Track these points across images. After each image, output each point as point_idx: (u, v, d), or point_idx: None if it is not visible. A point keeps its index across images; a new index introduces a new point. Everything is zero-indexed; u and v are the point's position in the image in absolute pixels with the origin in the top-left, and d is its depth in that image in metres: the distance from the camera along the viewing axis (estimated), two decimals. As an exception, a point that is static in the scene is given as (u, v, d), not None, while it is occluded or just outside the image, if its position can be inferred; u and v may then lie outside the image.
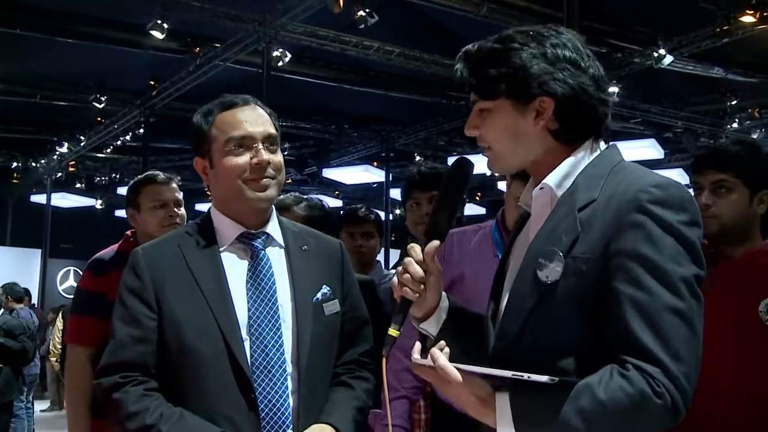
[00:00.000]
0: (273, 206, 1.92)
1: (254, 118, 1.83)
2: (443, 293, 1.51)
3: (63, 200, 17.85)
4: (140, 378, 1.72)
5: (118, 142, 14.48)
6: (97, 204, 18.28)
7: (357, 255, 3.18)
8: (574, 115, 1.40)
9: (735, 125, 12.69)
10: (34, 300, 14.47)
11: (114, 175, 17.32)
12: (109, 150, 15.26)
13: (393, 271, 3.56)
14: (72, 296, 3.43)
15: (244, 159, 1.79)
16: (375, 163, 16.14)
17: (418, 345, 1.36)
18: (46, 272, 17.42)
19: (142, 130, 13.52)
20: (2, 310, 7.87)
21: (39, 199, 17.73)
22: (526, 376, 1.20)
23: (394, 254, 13.81)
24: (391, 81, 12.10)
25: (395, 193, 14.48)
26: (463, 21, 9.17)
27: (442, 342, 1.36)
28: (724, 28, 9.05)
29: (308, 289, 1.84)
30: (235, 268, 1.81)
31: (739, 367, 1.99)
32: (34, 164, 16.21)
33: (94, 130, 14.10)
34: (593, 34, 9.71)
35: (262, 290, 1.79)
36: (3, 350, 6.79)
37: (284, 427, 1.72)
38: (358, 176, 16.63)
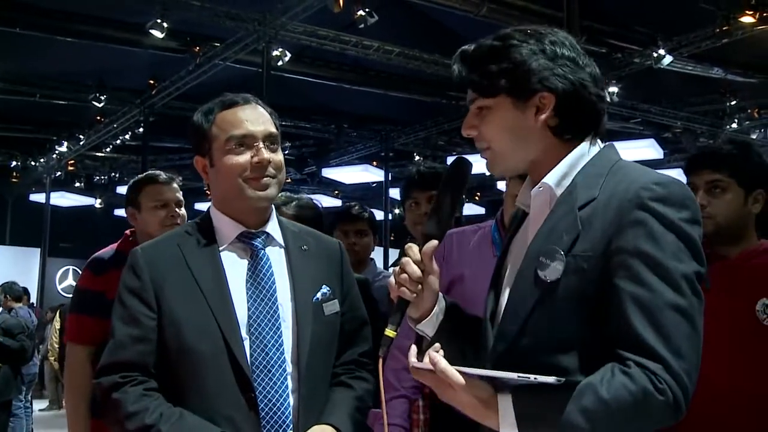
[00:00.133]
0: (273, 206, 1.92)
1: (255, 117, 1.83)
2: (440, 294, 1.50)
3: (62, 199, 17.85)
4: (140, 378, 1.71)
5: (118, 141, 14.49)
6: (97, 203, 18.28)
7: (351, 253, 3.17)
8: (573, 111, 1.40)
9: (734, 125, 12.70)
10: (33, 299, 14.46)
11: (113, 174, 17.31)
12: (108, 149, 15.26)
13: (385, 271, 3.57)
14: (71, 295, 3.42)
15: (244, 158, 1.79)
16: (374, 163, 16.14)
17: (413, 348, 1.35)
18: (45, 271, 17.42)
19: (141, 130, 13.53)
20: (1, 309, 7.87)
21: (38, 198, 17.72)
22: (532, 378, 1.20)
23: (394, 254, 13.82)
24: (390, 81, 12.11)
25: (395, 193, 14.46)
26: (462, 21, 9.17)
27: (437, 344, 1.36)
28: (724, 28, 9.05)
29: (308, 288, 1.84)
30: (234, 267, 1.81)
31: (735, 366, 1.99)
32: (33, 163, 16.20)
33: (93, 129, 14.10)
34: (593, 34, 9.72)
35: (262, 290, 1.79)
36: (2, 349, 6.79)
37: (284, 426, 1.72)
38: (358, 176, 16.64)
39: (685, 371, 1.22)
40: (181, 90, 11.71)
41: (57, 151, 15.13)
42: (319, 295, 1.84)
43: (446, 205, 1.49)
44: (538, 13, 9.10)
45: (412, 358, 1.34)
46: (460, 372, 1.26)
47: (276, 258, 1.86)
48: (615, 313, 1.27)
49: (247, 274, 1.81)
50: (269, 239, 1.87)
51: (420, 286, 1.43)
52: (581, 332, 1.31)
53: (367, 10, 8.65)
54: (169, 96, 12.06)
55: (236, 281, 1.79)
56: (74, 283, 14.56)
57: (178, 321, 1.73)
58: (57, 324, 9.61)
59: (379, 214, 15.59)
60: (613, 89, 10.66)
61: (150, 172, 3.12)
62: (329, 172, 16.74)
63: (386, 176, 15.53)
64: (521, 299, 1.37)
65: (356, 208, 3.42)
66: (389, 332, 1.41)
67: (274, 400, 1.71)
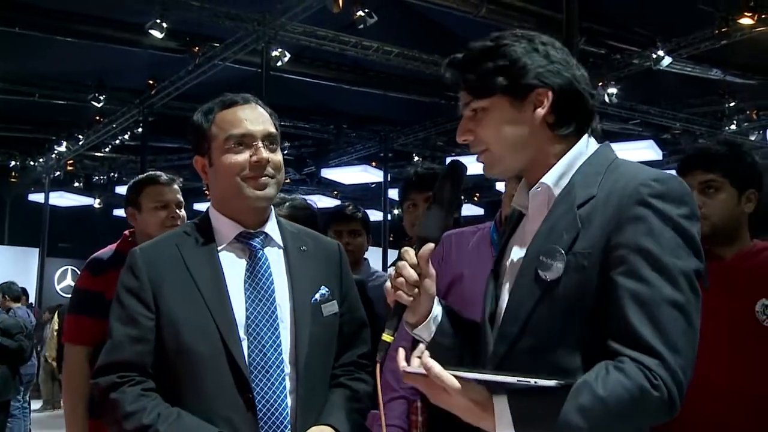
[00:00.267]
0: (272, 206, 1.92)
1: (254, 117, 1.83)
2: (437, 299, 1.49)
3: (61, 199, 17.85)
4: (137, 378, 1.71)
5: (117, 141, 14.50)
6: (96, 203, 18.29)
7: None
8: (570, 106, 1.41)
9: (733, 127, 12.73)
10: (32, 299, 14.45)
11: (112, 174, 17.32)
12: (107, 149, 15.26)
13: (379, 271, 3.56)
14: (69, 295, 3.42)
15: (243, 157, 1.79)
16: (373, 163, 16.15)
17: (402, 352, 1.35)
18: (44, 271, 17.41)
19: (140, 130, 13.54)
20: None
21: (37, 197, 17.72)
22: (533, 381, 1.19)
23: (393, 255, 13.82)
24: (390, 81, 12.12)
25: (394, 194, 14.41)
26: (462, 22, 9.18)
27: (421, 345, 1.36)
28: (723, 29, 9.07)
29: (307, 289, 1.83)
30: (233, 267, 1.80)
31: (734, 367, 1.99)
32: (32, 163, 16.21)
33: (92, 129, 14.11)
34: (592, 36, 9.74)
35: (260, 290, 1.78)
36: (0, 349, 6.78)
37: (282, 427, 1.71)
38: (357, 176, 16.64)
39: (680, 367, 1.22)
40: (180, 90, 11.71)
41: (56, 151, 15.13)
42: (317, 296, 1.84)
43: (441, 208, 1.48)
44: (537, 14, 9.12)
45: (402, 362, 1.33)
46: (456, 376, 1.25)
47: (274, 258, 1.85)
48: (612, 307, 1.27)
49: (246, 274, 1.80)
50: (268, 239, 1.87)
51: (417, 289, 1.42)
52: (583, 331, 1.30)
53: (366, 10, 8.66)
54: (168, 96, 12.06)
55: (234, 282, 1.78)
56: (73, 284, 14.55)
57: (176, 321, 1.72)
58: (56, 324, 9.60)
59: (378, 215, 15.62)
60: (612, 90, 10.68)
61: (151, 172, 3.11)
62: (328, 173, 16.74)
63: (385, 177, 15.54)
64: (522, 300, 1.36)
65: (350, 208, 3.43)
66: (386, 337, 1.40)
67: (271, 401, 1.71)
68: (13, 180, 17.32)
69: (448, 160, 12.39)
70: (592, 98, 1.43)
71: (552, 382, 1.19)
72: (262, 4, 9.56)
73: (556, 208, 1.38)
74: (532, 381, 1.19)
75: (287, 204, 2.79)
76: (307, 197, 3.11)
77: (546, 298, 1.32)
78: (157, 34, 9.22)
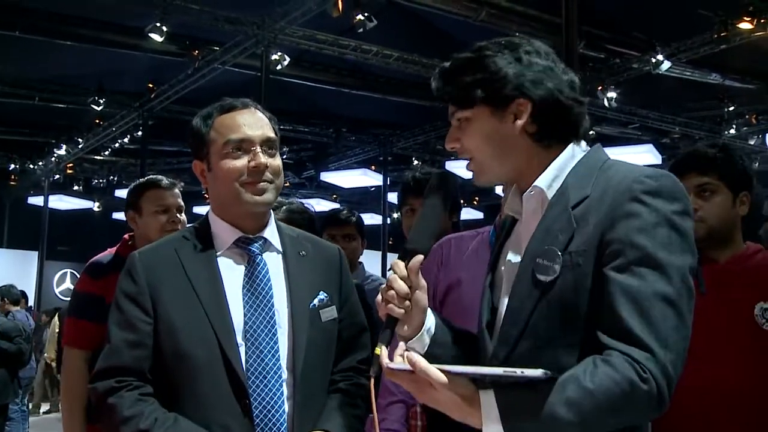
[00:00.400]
0: (271, 211, 1.91)
1: (253, 122, 1.83)
2: (429, 311, 1.48)
3: (60, 202, 17.86)
4: (135, 383, 1.71)
5: (116, 145, 14.50)
6: (95, 206, 18.28)
7: None
8: (551, 117, 1.41)
9: (732, 131, 12.74)
10: (31, 302, 14.45)
11: (112, 177, 17.34)
12: (107, 152, 15.26)
13: (374, 274, 3.56)
14: (68, 299, 3.41)
15: (241, 162, 1.78)
16: (373, 167, 16.15)
17: (385, 350, 1.34)
18: (43, 274, 17.40)
19: (140, 133, 13.55)
20: (-1, 312, 7.86)
21: (36, 201, 17.73)
22: (519, 371, 1.18)
23: (392, 258, 13.78)
24: (389, 85, 12.13)
25: (393, 197, 14.45)
26: (461, 26, 9.19)
27: (402, 344, 1.36)
28: (722, 34, 9.08)
29: (305, 294, 1.83)
30: (231, 272, 1.80)
31: (734, 371, 1.99)
32: (31, 166, 16.21)
33: (92, 133, 14.12)
34: (592, 40, 9.74)
35: (259, 295, 1.78)
36: (-1, 353, 6.78)
37: None
38: (356, 180, 16.65)
39: (670, 362, 1.22)
40: (180, 94, 11.73)
41: (55, 154, 15.14)
42: (316, 301, 1.83)
43: (429, 218, 1.49)
44: (536, 19, 9.12)
45: (385, 359, 1.32)
46: (441, 370, 1.24)
47: (273, 263, 1.85)
48: (604, 302, 1.27)
49: (244, 279, 1.80)
50: (267, 244, 1.86)
51: (408, 302, 1.42)
52: (581, 331, 1.31)
53: (365, 14, 8.66)
54: (167, 100, 12.08)
55: (233, 287, 1.78)
56: (72, 287, 14.54)
57: (174, 326, 1.72)
58: (56, 328, 9.59)
59: (377, 219, 15.62)
60: (612, 94, 10.69)
61: (152, 176, 3.11)
62: (328, 176, 16.74)
63: (385, 180, 15.54)
64: (521, 302, 1.37)
65: (344, 212, 3.45)
66: (379, 351, 1.37)
67: (269, 407, 1.70)
68: (12, 183, 17.33)
69: (448, 164, 12.36)
70: (580, 105, 1.44)
71: (539, 372, 1.17)
72: (262, 8, 9.57)
73: (550, 210, 1.39)
74: (518, 372, 1.18)
75: (284, 208, 2.79)
76: (306, 201, 3.11)
77: (544, 300, 1.33)
78: (156, 37, 9.23)
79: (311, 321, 1.80)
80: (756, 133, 13.11)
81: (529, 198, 1.43)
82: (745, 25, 8.78)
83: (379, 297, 1.43)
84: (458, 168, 8.63)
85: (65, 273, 18.60)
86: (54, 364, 9.91)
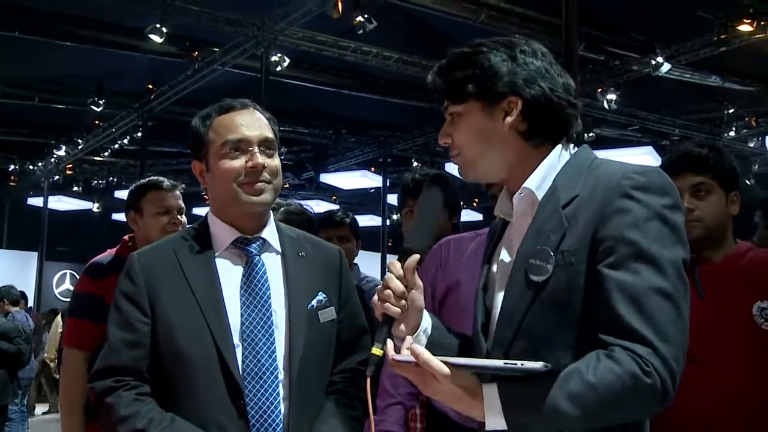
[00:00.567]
0: (270, 211, 1.91)
1: (251, 122, 1.83)
2: (425, 312, 1.49)
3: (60, 203, 17.86)
4: (133, 382, 1.71)
5: (116, 146, 14.49)
6: (94, 207, 18.29)
7: None
8: (542, 116, 1.42)
9: (732, 133, 12.74)
10: (30, 303, 14.44)
11: (111, 178, 17.34)
12: (106, 153, 15.25)
13: (369, 275, 3.57)
14: (68, 299, 3.41)
15: (239, 162, 1.78)
16: (372, 169, 16.15)
17: (390, 343, 1.36)
18: (43, 275, 17.40)
19: (139, 134, 13.54)
20: (-2, 313, 7.86)
21: (36, 201, 17.74)
22: (519, 364, 1.19)
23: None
24: (389, 86, 12.13)
25: (393, 199, 14.47)
26: (461, 27, 9.19)
27: (409, 337, 1.37)
28: (722, 36, 9.08)
29: (303, 295, 1.83)
30: (229, 273, 1.80)
31: (734, 371, 1.98)
32: (31, 167, 16.20)
33: (91, 134, 14.12)
34: (591, 41, 9.74)
35: (256, 296, 1.78)
36: (-2, 353, 6.78)
37: None
38: (356, 181, 16.66)
39: (672, 356, 1.22)
40: (179, 95, 11.73)
41: (55, 155, 15.14)
42: (314, 302, 1.83)
43: (425, 218, 1.49)
44: (536, 20, 9.13)
45: (391, 351, 1.33)
46: (444, 362, 1.25)
47: (272, 264, 1.85)
48: (601, 300, 1.27)
49: (242, 280, 1.80)
50: (266, 245, 1.86)
51: (404, 301, 1.42)
52: (576, 330, 1.31)
53: (365, 16, 8.66)
54: (167, 101, 12.08)
55: (230, 288, 1.78)
56: (71, 287, 14.53)
57: (172, 327, 1.72)
58: (59, 328, 9.58)
59: (377, 220, 15.61)
60: (611, 96, 10.70)
61: (153, 177, 3.11)
62: (327, 178, 16.75)
63: (384, 182, 15.54)
64: (515, 304, 1.37)
65: (338, 213, 3.47)
66: (376, 351, 1.39)
67: (264, 407, 1.71)
68: (12, 184, 17.33)
69: (448, 165, 12.36)
70: (572, 107, 1.44)
71: (539, 365, 1.18)
72: (262, 9, 9.57)
73: (541, 210, 1.40)
74: (518, 364, 1.19)
75: (282, 209, 2.79)
76: (305, 202, 3.11)
77: (538, 300, 1.33)
78: (156, 38, 9.23)
79: (309, 322, 1.80)
80: (756, 135, 13.12)
81: (519, 200, 1.44)
82: (745, 28, 8.78)
83: (376, 297, 1.43)
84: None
85: (65, 274, 18.60)
86: (53, 365, 9.90)
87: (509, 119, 1.41)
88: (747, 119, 12.63)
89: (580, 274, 1.30)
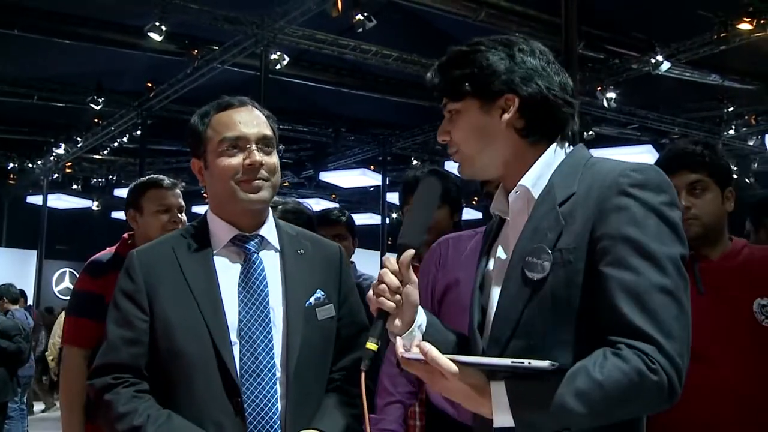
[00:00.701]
0: (269, 209, 1.91)
1: (249, 120, 1.83)
2: (421, 308, 1.49)
3: (59, 201, 17.87)
4: (132, 380, 1.72)
5: (115, 144, 14.50)
6: (94, 205, 18.30)
7: None
8: (538, 114, 1.43)
9: (731, 132, 12.75)
10: (30, 301, 14.45)
11: (110, 176, 17.34)
12: (105, 152, 15.27)
13: (365, 273, 3.57)
14: (68, 298, 3.41)
15: (237, 160, 1.79)
16: (372, 167, 16.16)
17: (399, 340, 1.36)
18: (42, 273, 17.41)
19: (139, 132, 13.54)
20: (-2, 311, 7.86)
21: (35, 200, 17.74)
22: (526, 362, 1.20)
23: (391, 258, 13.76)
24: (388, 85, 12.13)
25: (392, 197, 14.48)
26: (461, 26, 9.19)
27: (418, 335, 1.38)
28: (722, 35, 9.09)
29: (301, 293, 1.83)
30: (227, 271, 1.80)
31: (735, 370, 1.98)
32: (30, 165, 16.21)
33: (91, 132, 14.12)
34: (591, 40, 9.75)
35: (254, 294, 1.78)
36: (-2, 351, 6.78)
37: (272, 431, 1.71)
38: (355, 180, 16.65)
39: (677, 352, 1.22)
40: (179, 93, 11.73)
41: (54, 153, 15.14)
42: (312, 299, 1.83)
43: (419, 212, 1.50)
44: (536, 19, 9.13)
45: (401, 348, 1.33)
46: (453, 360, 1.26)
47: (270, 262, 1.85)
48: (603, 299, 1.27)
49: (240, 277, 1.80)
50: (264, 243, 1.86)
51: (399, 296, 1.42)
52: (573, 328, 1.31)
53: (365, 14, 8.67)
54: (167, 99, 12.08)
55: (228, 285, 1.78)
56: (71, 286, 14.52)
57: (170, 324, 1.73)
58: (60, 328, 9.58)
59: (376, 219, 15.62)
60: (611, 95, 10.70)
61: (153, 176, 3.11)
62: (327, 176, 16.75)
63: (384, 180, 15.55)
64: (512, 302, 1.37)
65: (334, 212, 3.48)
66: (370, 345, 1.40)
67: (261, 405, 1.71)
68: (11, 182, 17.34)
69: (448, 164, 12.36)
70: (568, 106, 1.45)
71: (545, 363, 1.19)
72: (262, 7, 9.57)
73: (537, 208, 1.40)
74: (525, 362, 1.20)
75: (280, 207, 2.79)
76: (305, 200, 3.11)
77: (535, 298, 1.33)
78: (155, 36, 9.23)
79: (306, 319, 1.80)
80: (755, 133, 13.13)
81: (515, 198, 1.45)
82: (744, 26, 8.78)
83: (371, 292, 1.44)
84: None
85: (64, 272, 18.61)
86: (54, 364, 9.90)
87: (506, 116, 1.42)
88: (746, 118, 12.65)
89: (579, 272, 1.30)
